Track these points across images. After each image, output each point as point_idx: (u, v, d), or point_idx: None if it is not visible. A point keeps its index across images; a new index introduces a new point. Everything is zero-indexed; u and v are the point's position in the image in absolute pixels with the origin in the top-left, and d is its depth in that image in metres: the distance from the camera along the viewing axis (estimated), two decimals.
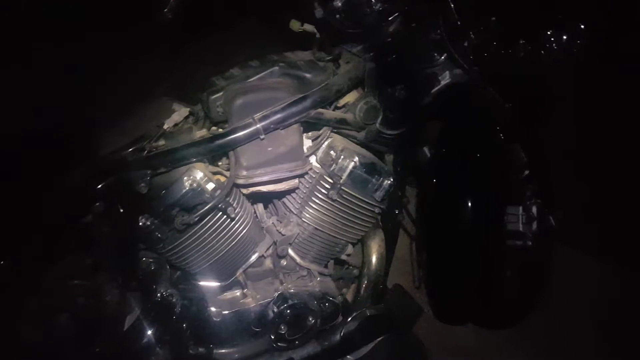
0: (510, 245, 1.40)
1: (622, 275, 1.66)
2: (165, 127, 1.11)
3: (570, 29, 1.14)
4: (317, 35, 1.12)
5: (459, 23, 1.14)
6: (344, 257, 1.33)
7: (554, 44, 1.15)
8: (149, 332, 1.10)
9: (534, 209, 1.38)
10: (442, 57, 1.21)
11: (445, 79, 1.22)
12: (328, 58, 1.10)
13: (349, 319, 1.26)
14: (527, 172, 1.35)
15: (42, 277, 1.04)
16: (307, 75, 1.11)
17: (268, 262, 1.28)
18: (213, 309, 1.20)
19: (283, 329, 1.21)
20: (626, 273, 1.65)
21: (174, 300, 1.14)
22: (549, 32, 1.14)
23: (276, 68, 1.11)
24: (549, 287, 1.46)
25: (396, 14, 1.10)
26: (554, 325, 1.55)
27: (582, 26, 1.13)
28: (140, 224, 1.07)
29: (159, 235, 1.10)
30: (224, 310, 1.21)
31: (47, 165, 1.06)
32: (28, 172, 1.05)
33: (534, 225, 1.38)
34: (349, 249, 1.31)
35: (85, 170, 1.06)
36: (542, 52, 1.16)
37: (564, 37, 1.14)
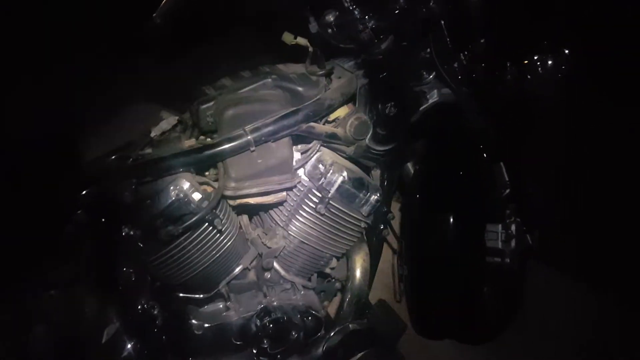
0: (489, 262, 1.43)
1: (596, 294, 1.72)
2: (152, 134, 1.09)
3: (556, 54, 1.18)
4: (310, 49, 1.12)
5: (449, 44, 1.17)
6: (327, 270, 1.33)
7: (539, 69, 1.20)
8: (129, 346, 1.07)
9: (513, 227, 1.41)
10: (431, 76, 1.24)
11: (433, 97, 1.25)
12: (321, 72, 1.11)
13: (332, 333, 1.26)
14: (507, 191, 1.38)
15: (20, 288, 1.00)
16: (300, 88, 1.11)
17: (252, 275, 1.26)
18: (194, 321, 1.18)
19: (266, 343, 1.19)
20: (601, 291, 1.72)
21: (155, 312, 1.10)
22: (535, 57, 1.19)
23: (269, 80, 1.10)
24: (525, 303, 1.50)
25: (388, 32, 1.11)
26: (529, 342, 1.59)
27: (567, 52, 1.18)
28: (123, 233, 1.05)
29: (142, 245, 1.07)
30: (206, 324, 1.19)
31: (29, 171, 1.02)
32: (8, 179, 1.00)
33: (513, 243, 1.41)
34: (333, 262, 1.31)
35: (68, 177, 1.02)
36: (528, 75, 1.20)
37: (549, 62, 1.19)
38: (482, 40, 1.19)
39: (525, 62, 1.20)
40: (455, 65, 1.18)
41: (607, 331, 1.61)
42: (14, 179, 1.04)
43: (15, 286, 1.03)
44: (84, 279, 1.08)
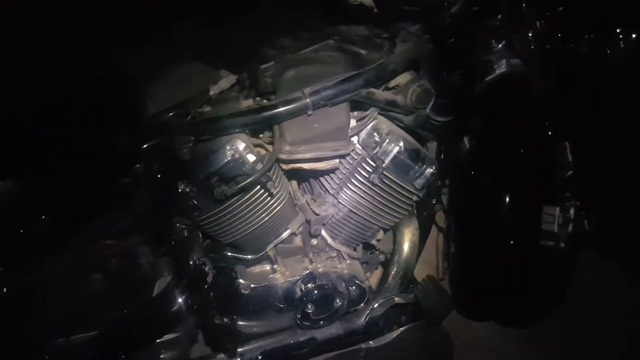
0: (542, 245, 1.37)
1: None
2: (211, 93, 1.08)
3: None
4: (375, 10, 1.07)
5: (524, 10, 1.09)
6: (373, 241, 1.31)
7: (621, 42, 1.10)
8: (179, 300, 1.10)
9: (572, 211, 1.34)
10: (500, 45, 1.16)
11: (501, 67, 1.17)
12: (385, 35, 1.06)
13: (376, 305, 1.25)
14: (570, 172, 1.31)
15: (78, 235, 1.03)
16: (362, 51, 1.06)
17: (298, 240, 1.26)
18: (242, 281, 1.20)
19: (310, 308, 1.20)
20: None
21: (206, 269, 1.12)
22: (617, 30, 1.09)
23: (330, 41, 1.07)
24: (574, 290, 1.44)
25: None
26: (572, 329, 1.55)
27: None
28: (179, 189, 1.06)
29: (196, 202, 1.08)
30: (253, 284, 1.20)
31: (91, 123, 1.04)
32: (71, 129, 1.02)
33: (570, 228, 1.34)
34: (380, 234, 1.29)
35: (129, 130, 1.03)
36: (608, 50, 1.10)
37: (633, 36, 1.09)
38: (560, 8, 1.10)
39: (607, 34, 1.10)
40: (529, 34, 1.10)
41: None
42: (76, 130, 1.06)
43: (75, 234, 1.06)
44: (139, 231, 1.11)
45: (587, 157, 1.31)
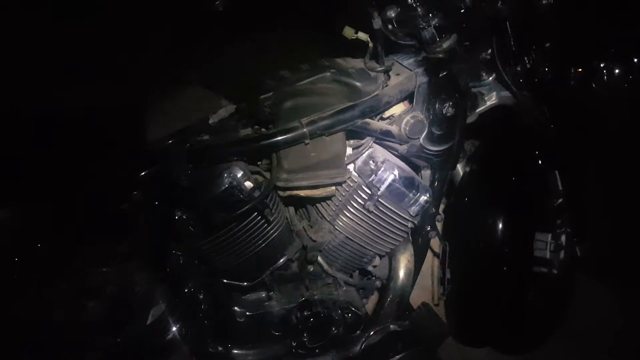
0: (535, 272, 1.39)
1: None
2: (210, 121, 1.10)
3: (624, 63, 1.13)
4: (370, 45, 1.11)
5: (513, 46, 1.14)
6: (369, 268, 1.32)
7: (605, 76, 1.15)
8: (173, 329, 1.09)
9: (563, 238, 1.37)
10: (491, 78, 1.21)
11: (491, 99, 1.22)
12: (380, 68, 1.09)
13: (372, 332, 1.25)
14: (560, 200, 1.34)
15: (73, 262, 1.03)
16: (358, 83, 1.10)
17: (295, 266, 1.26)
18: (237, 309, 1.19)
19: (305, 337, 1.19)
20: None
21: (200, 297, 1.12)
22: (602, 64, 1.14)
23: (328, 74, 1.10)
24: (569, 316, 1.45)
25: (452, 31, 1.09)
26: (571, 355, 1.55)
27: (636, 60, 1.13)
28: (176, 217, 1.07)
29: (193, 229, 1.09)
30: (248, 312, 1.20)
31: (89, 150, 1.05)
32: (68, 156, 1.04)
33: (562, 254, 1.37)
34: (376, 260, 1.30)
35: (128, 157, 1.05)
36: (593, 83, 1.16)
37: (617, 71, 1.14)
38: (547, 44, 1.16)
39: (591, 68, 1.16)
40: (518, 68, 1.15)
41: None
42: (74, 157, 1.07)
43: (71, 261, 1.06)
44: (135, 258, 1.11)
45: (577, 185, 1.34)
